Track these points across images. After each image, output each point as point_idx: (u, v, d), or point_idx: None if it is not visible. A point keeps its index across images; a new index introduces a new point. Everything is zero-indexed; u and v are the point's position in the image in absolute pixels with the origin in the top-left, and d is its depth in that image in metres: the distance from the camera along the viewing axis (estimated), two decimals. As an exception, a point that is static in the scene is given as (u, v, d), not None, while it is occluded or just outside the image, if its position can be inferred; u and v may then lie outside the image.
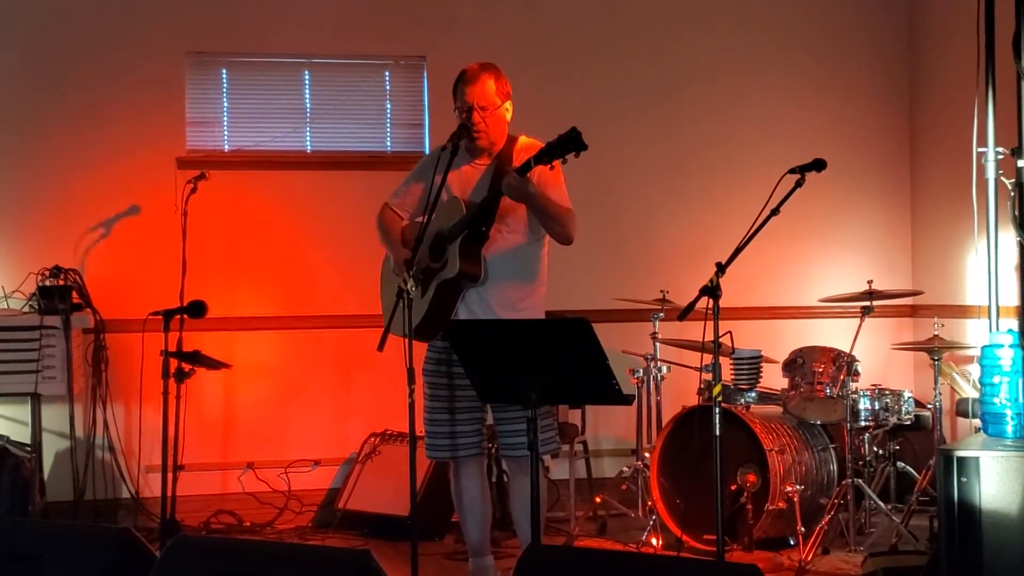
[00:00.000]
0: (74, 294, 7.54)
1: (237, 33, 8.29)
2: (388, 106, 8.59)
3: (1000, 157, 5.61)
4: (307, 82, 8.47)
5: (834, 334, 8.25)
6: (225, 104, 8.39)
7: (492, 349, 5.27)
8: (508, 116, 5.94)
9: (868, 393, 7.16)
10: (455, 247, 5.78)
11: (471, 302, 5.87)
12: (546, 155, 5.42)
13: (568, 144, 5.34)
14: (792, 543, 7.08)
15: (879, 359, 8.68)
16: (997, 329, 5.57)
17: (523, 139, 5.97)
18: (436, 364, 5.95)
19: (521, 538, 6.08)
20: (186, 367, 7.30)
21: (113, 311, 7.79)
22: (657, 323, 7.76)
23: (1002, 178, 5.62)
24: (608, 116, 8.60)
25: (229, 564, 4.06)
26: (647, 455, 7.58)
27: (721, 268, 5.53)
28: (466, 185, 5.94)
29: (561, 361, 5.10)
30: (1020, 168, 5.49)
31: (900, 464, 7.58)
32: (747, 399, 7.40)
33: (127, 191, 8.09)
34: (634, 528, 7.64)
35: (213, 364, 7.52)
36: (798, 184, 5.68)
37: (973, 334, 7.91)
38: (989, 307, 5.64)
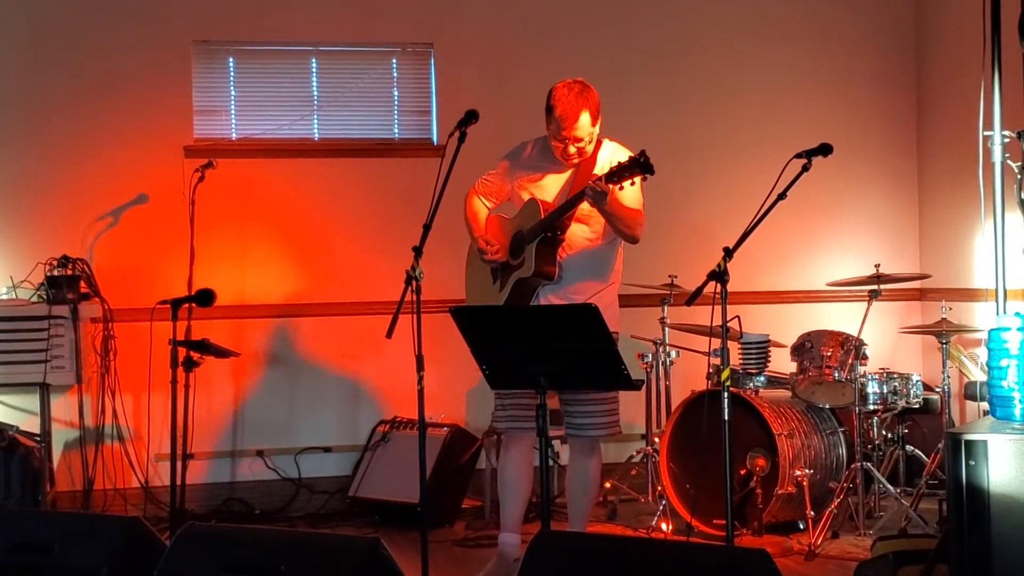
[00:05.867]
0: (82, 283, 7.54)
1: (244, 21, 8.28)
2: (396, 93, 8.57)
3: (1006, 140, 5.61)
4: (314, 70, 8.46)
5: (842, 318, 8.26)
6: (232, 92, 8.38)
7: (501, 335, 5.30)
8: (598, 129, 6.19)
9: (876, 377, 7.16)
10: (532, 248, 6.08)
11: (547, 293, 6.17)
12: (615, 176, 5.72)
13: (636, 167, 5.67)
14: (802, 527, 7.09)
15: (887, 343, 8.69)
16: (1004, 312, 5.58)
17: (608, 143, 6.27)
18: None
19: (572, 515, 6.38)
20: (195, 356, 7.31)
21: (121, 300, 7.78)
22: (666, 308, 7.78)
23: (1008, 161, 5.63)
24: (616, 101, 8.50)
25: (239, 552, 4.08)
26: (657, 440, 7.60)
27: (728, 253, 5.52)
28: (550, 186, 6.25)
29: (570, 347, 5.12)
30: (1027, 151, 5.50)
31: (909, 447, 7.58)
32: (756, 383, 7.40)
33: (135, 180, 8.08)
34: (644, 513, 7.66)
35: (222, 352, 7.52)
36: (805, 169, 5.67)
37: (981, 317, 7.91)
38: (996, 290, 5.64)
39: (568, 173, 6.21)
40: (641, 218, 6.14)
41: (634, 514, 7.76)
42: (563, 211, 6.04)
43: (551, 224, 6.06)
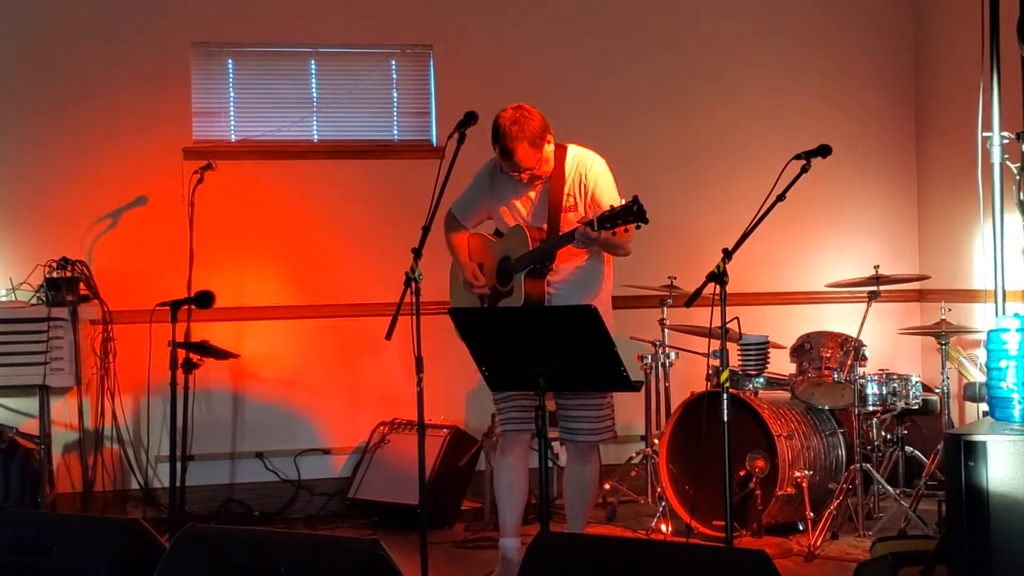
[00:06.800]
0: (81, 285, 7.53)
1: (243, 23, 8.28)
2: (395, 95, 8.57)
3: (1005, 142, 5.62)
4: (313, 71, 8.46)
5: (841, 319, 8.26)
6: (231, 94, 8.38)
7: (501, 337, 5.31)
8: (551, 145, 6.14)
9: (876, 378, 7.16)
10: (520, 278, 6.06)
11: None
12: (607, 222, 5.64)
13: (629, 216, 5.60)
14: (801, 528, 7.09)
15: (886, 344, 8.68)
16: (1003, 313, 5.58)
17: (572, 150, 6.22)
18: None
19: (570, 519, 6.39)
20: (194, 357, 7.31)
21: (121, 302, 7.78)
22: (665, 309, 7.78)
23: (1007, 162, 5.63)
24: (615, 102, 8.59)
25: (238, 554, 4.07)
26: (656, 441, 7.60)
27: (728, 254, 5.53)
28: (526, 203, 6.23)
29: (569, 348, 5.12)
30: (1025, 152, 5.51)
31: (908, 448, 7.58)
32: (755, 385, 7.40)
33: (134, 182, 8.08)
34: (644, 515, 7.66)
35: (221, 354, 7.53)
36: (804, 170, 5.68)
37: (980, 318, 7.91)
38: (995, 291, 5.64)
39: (540, 190, 6.19)
40: (630, 235, 6.07)
41: (634, 515, 7.76)
42: (551, 248, 6.03)
43: (539, 257, 6.05)
